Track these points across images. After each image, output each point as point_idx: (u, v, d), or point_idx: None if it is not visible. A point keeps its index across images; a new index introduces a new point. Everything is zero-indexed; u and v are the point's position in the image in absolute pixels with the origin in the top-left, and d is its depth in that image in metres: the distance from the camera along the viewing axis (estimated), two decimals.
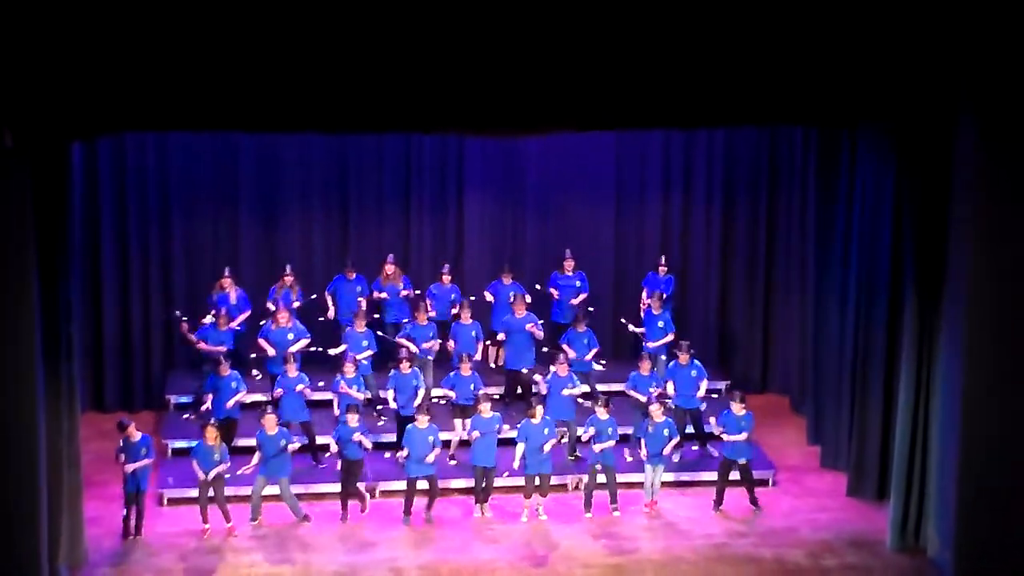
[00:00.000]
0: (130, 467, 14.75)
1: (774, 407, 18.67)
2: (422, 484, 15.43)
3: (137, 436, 14.88)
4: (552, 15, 13.27)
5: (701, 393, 16.75)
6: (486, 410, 15.63)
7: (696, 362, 16.84)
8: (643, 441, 15.78)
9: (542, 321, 17.77)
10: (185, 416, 17.27)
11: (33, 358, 13.12)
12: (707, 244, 19.57)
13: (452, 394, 16.58)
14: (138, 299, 18.59)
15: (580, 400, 16.87)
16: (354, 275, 18.17)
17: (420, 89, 13.48)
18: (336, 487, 15.81)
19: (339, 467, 15.58)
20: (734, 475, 15.75)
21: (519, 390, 17.66)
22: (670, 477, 15.99)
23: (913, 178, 14.44)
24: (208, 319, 17.34)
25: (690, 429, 16.81)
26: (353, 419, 15.38)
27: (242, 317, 17.80)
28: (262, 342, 17.26)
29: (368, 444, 15.53)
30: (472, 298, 17.97)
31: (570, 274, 18.52)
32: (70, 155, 13.95)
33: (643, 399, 16.36)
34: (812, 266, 17.73)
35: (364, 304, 17.94)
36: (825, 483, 16.71)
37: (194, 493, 15.50)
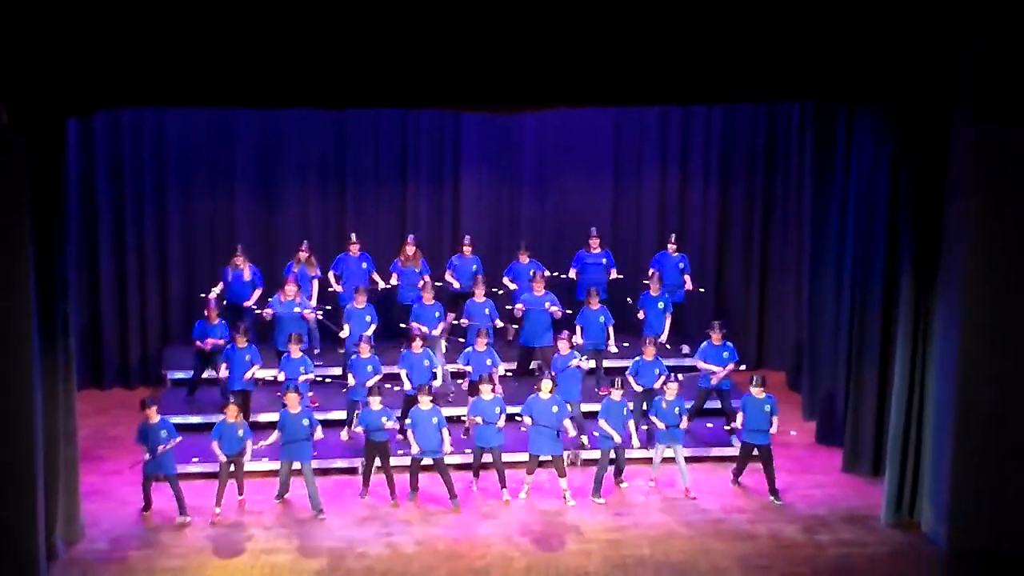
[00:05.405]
0: (163, 448, 14.71)
1: (770, 383, 18.60)
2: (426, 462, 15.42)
3: (156, 419, 14.86)
4: None
5: (720, 375, 16.50)
6: (487, 392, 15.50)
7: (729, 343, 16.70)
8: (655, 419, 15.65)
9: (569, 311, 17.45)
10: (189, 395, 17.23)
11: (29, 334, 13.12)
12: (704, 222, 19.56)
13: (469, 369, 16.45)
14: (134, 275, 18.60)
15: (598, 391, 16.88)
16: (359, 252, 18.08)
17: (416, 64, 13.47)
18: (332, 463, 15.97)
19: (365, 450, 15.44)
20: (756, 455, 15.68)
21: (531, 367, 17.49)
22: (669, 453, 15.93)
23: (910, 158, 14.41)
24: (214, 293, 17.24)
25: (716, 404, 16.69)
26: (376, 402, 15.28)
27: (256, 295, 17.74)
28: (267, 313, 17.14)
29: (395, 425, 15.38)
30: (499, 292, 17.77)
31: (597, 251, 18.36)
32: (66, 131, 13.93)
33: (659, 382, 16.14)
34: (808, 243, 17.75)
35: (379, 280, 17.86)
36: (820, 459, 16.75)
37: (194, 470, 15.57)
